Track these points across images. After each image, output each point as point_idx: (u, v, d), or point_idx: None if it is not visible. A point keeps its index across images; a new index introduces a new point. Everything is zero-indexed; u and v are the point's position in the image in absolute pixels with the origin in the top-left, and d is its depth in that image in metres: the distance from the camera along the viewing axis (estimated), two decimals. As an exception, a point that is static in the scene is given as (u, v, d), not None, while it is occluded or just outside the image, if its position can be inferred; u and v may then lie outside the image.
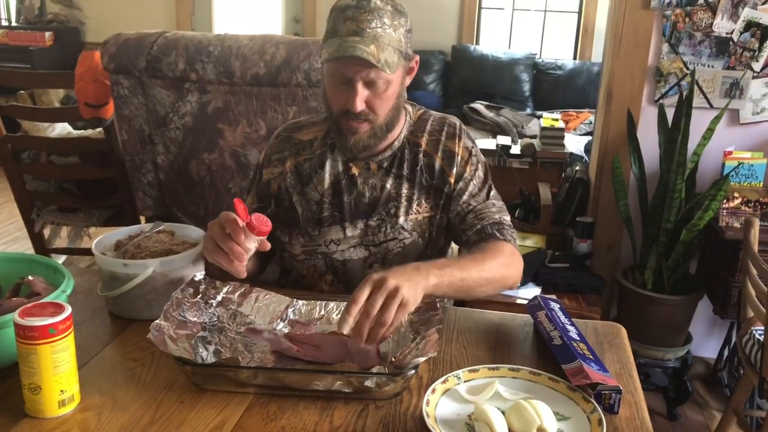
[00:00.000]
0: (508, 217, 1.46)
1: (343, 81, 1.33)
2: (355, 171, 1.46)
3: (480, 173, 1.48)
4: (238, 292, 1.30)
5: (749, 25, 2.50)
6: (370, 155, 1.45)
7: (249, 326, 1.24)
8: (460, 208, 1.46)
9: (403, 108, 1.47)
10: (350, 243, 1.47)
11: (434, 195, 1.47)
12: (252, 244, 1.20)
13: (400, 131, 1.47)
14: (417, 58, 1.41)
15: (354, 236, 1.46)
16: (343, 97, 1.34)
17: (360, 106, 1.32)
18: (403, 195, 1.45)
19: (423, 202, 1.46)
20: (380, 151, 1.45)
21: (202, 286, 1.28)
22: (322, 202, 1.46)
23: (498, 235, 1.40)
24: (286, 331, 1.24)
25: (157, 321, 1.13)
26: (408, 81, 1.42)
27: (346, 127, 1.38)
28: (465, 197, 1.46)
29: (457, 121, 1.52)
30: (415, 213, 1.46)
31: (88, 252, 1.35)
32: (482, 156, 1.52)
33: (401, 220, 1.45)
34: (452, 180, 1.46)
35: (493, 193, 1.49)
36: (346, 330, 1.08)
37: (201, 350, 1.15)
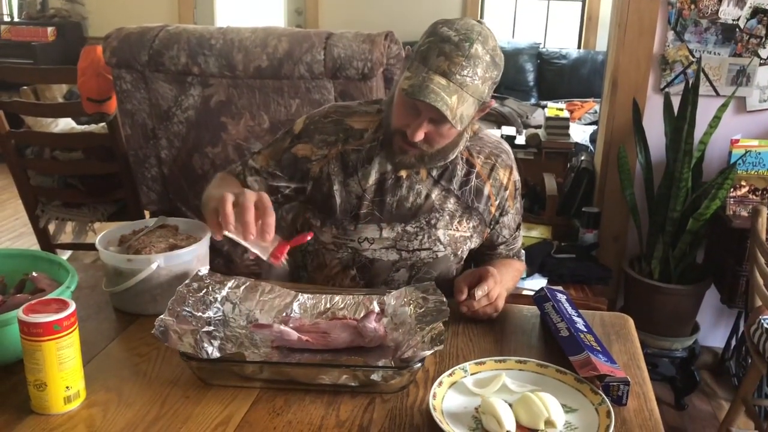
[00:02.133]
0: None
1: (412, 107, 1.29)
2: (402, 173, 1.43)
3: (518, 205, 1.54)
4: (243, 287, 1.30)
5: (756, 12, 2.47)
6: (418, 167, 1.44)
7: (255, 323, 1.24)
8: (494, 238, 1.54)
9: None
10: (384, 244, 1.45)
11: (476, 218, 1.48)
12: (255, 248, 1.19)
13: (457, 146, 1.44)
14: (492, 102, 1.36)
15: (389, 238, 1.45)
16: (405, 120, 1.32)
17: (419, 138, 1.30)
18: (447, 209, 1.45)
19: (464, 221, 1.47)
20: None
21: (207, 281, 1.27)
22: (363, 197, 1.43)
23: (517, 258, 1.61)
24: (291, 325, 1.24)
25: (161, 316, 1.12)
26: (475, 118, 1.38)
27: (397, 145, 1.37)
28: (505, 232, 1.54)
29: (509, 149, 1.54)
30: (454, 230, 1.46)
31: (93, 247, 1.34)
32: (520, 183, 1.55)
33: (440, 233, 1.45)
34: (493, 210, 1.49)
35: (521, 225, 1.59)
36: (479, 296, 1.27)
37: (206, 345, 1.15)
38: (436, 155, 1.39)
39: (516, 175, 1.53)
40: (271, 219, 1.15)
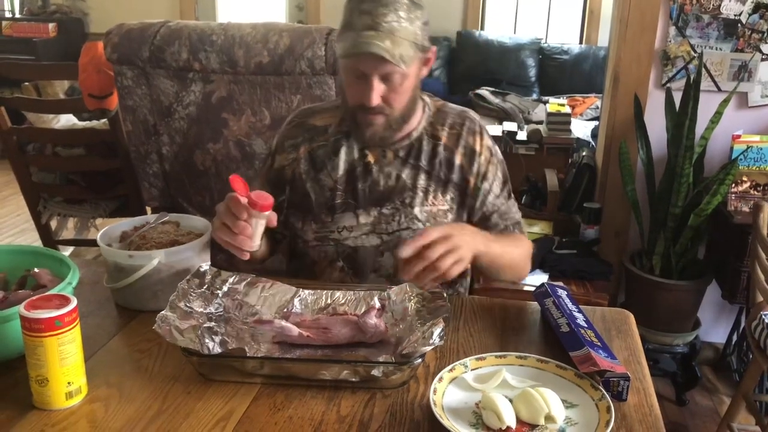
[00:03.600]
0: (520, 214, 1.54)
1: (359, 76, 1.32)
2: (370, 158, 1.45)
3: (500, 173, 1.51)
4: (244, 282, 1.30)
5: (758, 7, 2.47)
6: (387, 143, 1.45)
7: (256, 317, 1.24)
8: (486, 209, 1.49)
9: (421, 99, 1.48)
10: (363, 230, 1.46)
11: (452, 190, 1.47)
12: (257, 220, 1.20)
13: (419, 122, 1.46)
14: (434, 49, 1.38)
15: (367, 224, 1.46)
16: (359, 92, 1.33)
17: (376, 101, 1.32)
18: (420, 186, 1.45)
19: (439, 195, 1.47)
20: (397, 139, 1.45)
21: (208, 277, 1.27)
22: (336, 188, 1.46)
23: (519, 234, 1.50)
24: (292, 321, 1.24)
25: (163, 312, 1.13)
26: (425, 72, 1.40)
27: (362, 120, 1.38)
28: (490, 198, 1.49)
29: (476, 116, 1.53)
30: (431, 205, 1.46)
31: (95, 243, 1.35)
32: (500, 153, 1.53)
33: (416, 210, 1.45)
34: (472, 179, 1.47)
35: (511, 193, 1.53)
36: (405, 254, 1.13)
37: (207, 341, 1.15)
38: (401, 119, 1.39)
39: (488, 141, 1.50)
40: (233, 202, 1.18)
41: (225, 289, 1.27)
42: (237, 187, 1.17)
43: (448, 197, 1.47)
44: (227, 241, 1.21)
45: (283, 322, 1.19)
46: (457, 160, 1.46)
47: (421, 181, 1.45)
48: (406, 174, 1.45)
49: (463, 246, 1.18)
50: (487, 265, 1.34)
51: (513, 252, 1.41)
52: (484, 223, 1.51)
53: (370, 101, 1.32)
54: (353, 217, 1.46)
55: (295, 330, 1.18)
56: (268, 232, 1.42)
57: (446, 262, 1.15)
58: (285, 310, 1.28)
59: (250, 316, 1.25)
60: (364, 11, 1.27)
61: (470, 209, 1.49)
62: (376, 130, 1.38)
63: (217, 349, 1.15)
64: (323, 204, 1.47)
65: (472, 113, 1.53)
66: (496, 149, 1.52)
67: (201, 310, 1.20)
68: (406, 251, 1.13)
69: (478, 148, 1.48)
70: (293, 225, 1.51)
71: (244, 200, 1.18)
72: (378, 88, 1.31)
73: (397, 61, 1.27)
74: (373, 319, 1.19)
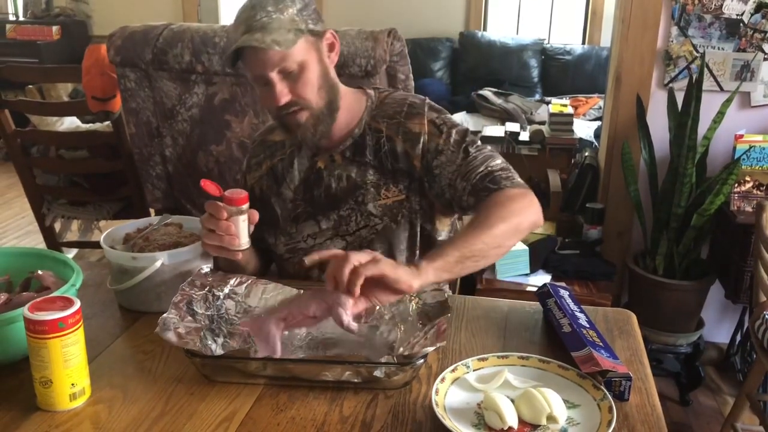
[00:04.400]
0: (498, 161, 1.38)
1: (263, 83, 1.33)
2: (320, 164, 1.46)
3: (454, 137, 1.41)
4: (246, 284, 1.30)
5: (760, 6, 2.46)
6: (332, 145, 1.44)
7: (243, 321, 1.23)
8: (449, 180, 1.39)
9: (365, 93, 1.47)
10: (326, 236, 1.47)
11: (402, 179, 1.44)
12: (238, 217, 1.22)
13: (360, 117, 1.45)
14: (330, 32, 1.38)
15: (328, 228, 1.47)
16: (269, 97, 1.34)
17: (283, 98, 1.32)
18: (369, 182, 1.44)
19: (391, 186, 1.45)
20: (341, 140, 1.45)
21: (210, 279, 1.28)
22: (295, 199, 1.48)
23: (492, 186, 1.33)
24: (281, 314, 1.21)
25: (165, 314, 1.13)
26: (332, 58, 1.38)
27: (288, 123, 1.38)
28: (448, 168, 1.40)
29: (418, 99, 1.48)
30: (384, 198, 1.45)
31: (98, 245, 1.36)
32: (454, 121, 1.46)
33: (370, 206, 1.45)
34: (417, 163, 1.42)
35: (472, 149, 1.40)
36: (308, 261, 1.12)
37: (210, 342, 1.15)
38: (327, 110, 1.37)
39: (431, 115, 1.44)
40: (212, 207, 1.22)
41: (226, 290, 1.28)
42: (210, 189, 1.20)
43: (400, 186, 1.44)
44: (216, 245, 1.23)
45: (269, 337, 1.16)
46: (400, 147, 1.43)
47: (370, 176, 1.44)
48: (354, 173, 1.45)
49: (394, 269, 1.09)
50: (461, 274, 1.21)
51: (482, 235, 1.21)
52: (455, 194, 1.39)
53: (278, 100, 1.31)
54: (315, 225, 1.47)
55: (271, 331, 1.15)
56: (261, 252, 1.47)
57: (366, 266, 1.07)
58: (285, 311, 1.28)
59: (249, 316, 1.25)
60: (238, 23, 1.30)
61: (436, 193, 1.43)
62: (305, 126, 1.36)
63: (220, 351, 1.15)
64: (287, 217, 1.49)
65: (414, 97, 1.49)
66: (445, 118, 1.44)
67: (203, 311, 1.21)
68: (309, 259, 1.13)
69: (417, 129, 1.42)
70: (266, 241, 1.52)
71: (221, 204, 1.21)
72: (280, 85, 1.31)
73: (269, 45, 1.26)
74: (345, 317, 1.10)
